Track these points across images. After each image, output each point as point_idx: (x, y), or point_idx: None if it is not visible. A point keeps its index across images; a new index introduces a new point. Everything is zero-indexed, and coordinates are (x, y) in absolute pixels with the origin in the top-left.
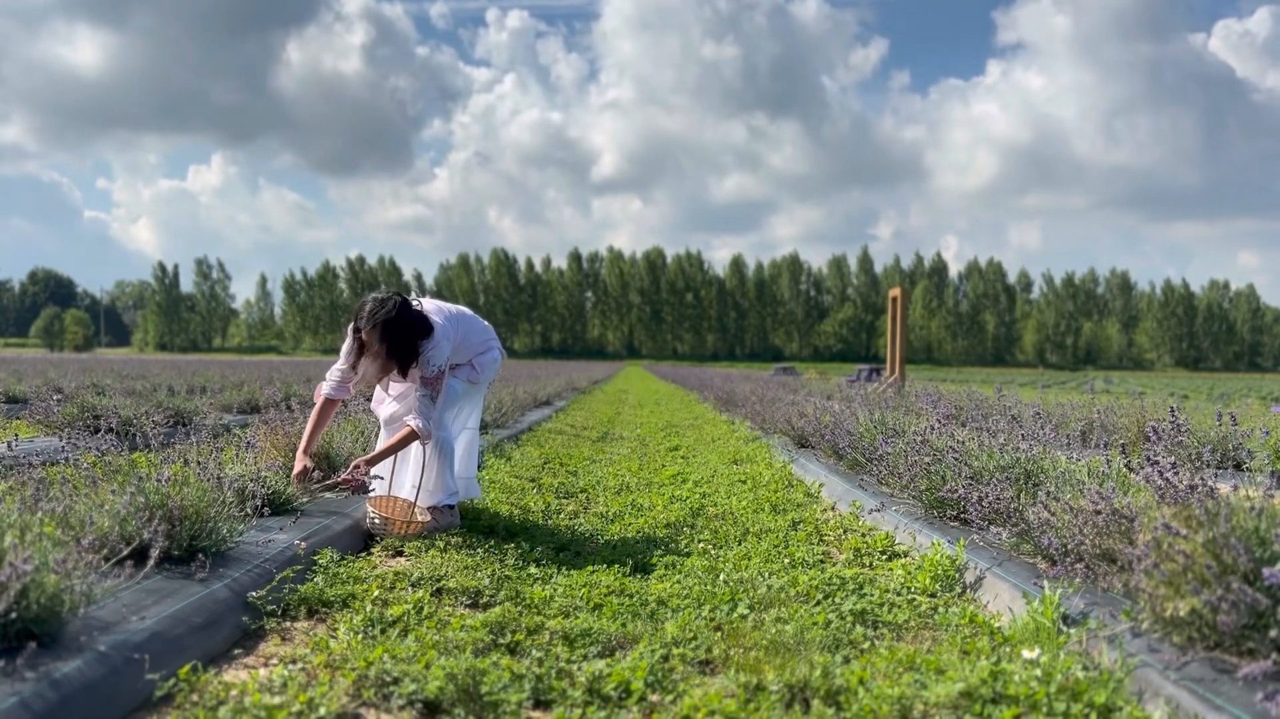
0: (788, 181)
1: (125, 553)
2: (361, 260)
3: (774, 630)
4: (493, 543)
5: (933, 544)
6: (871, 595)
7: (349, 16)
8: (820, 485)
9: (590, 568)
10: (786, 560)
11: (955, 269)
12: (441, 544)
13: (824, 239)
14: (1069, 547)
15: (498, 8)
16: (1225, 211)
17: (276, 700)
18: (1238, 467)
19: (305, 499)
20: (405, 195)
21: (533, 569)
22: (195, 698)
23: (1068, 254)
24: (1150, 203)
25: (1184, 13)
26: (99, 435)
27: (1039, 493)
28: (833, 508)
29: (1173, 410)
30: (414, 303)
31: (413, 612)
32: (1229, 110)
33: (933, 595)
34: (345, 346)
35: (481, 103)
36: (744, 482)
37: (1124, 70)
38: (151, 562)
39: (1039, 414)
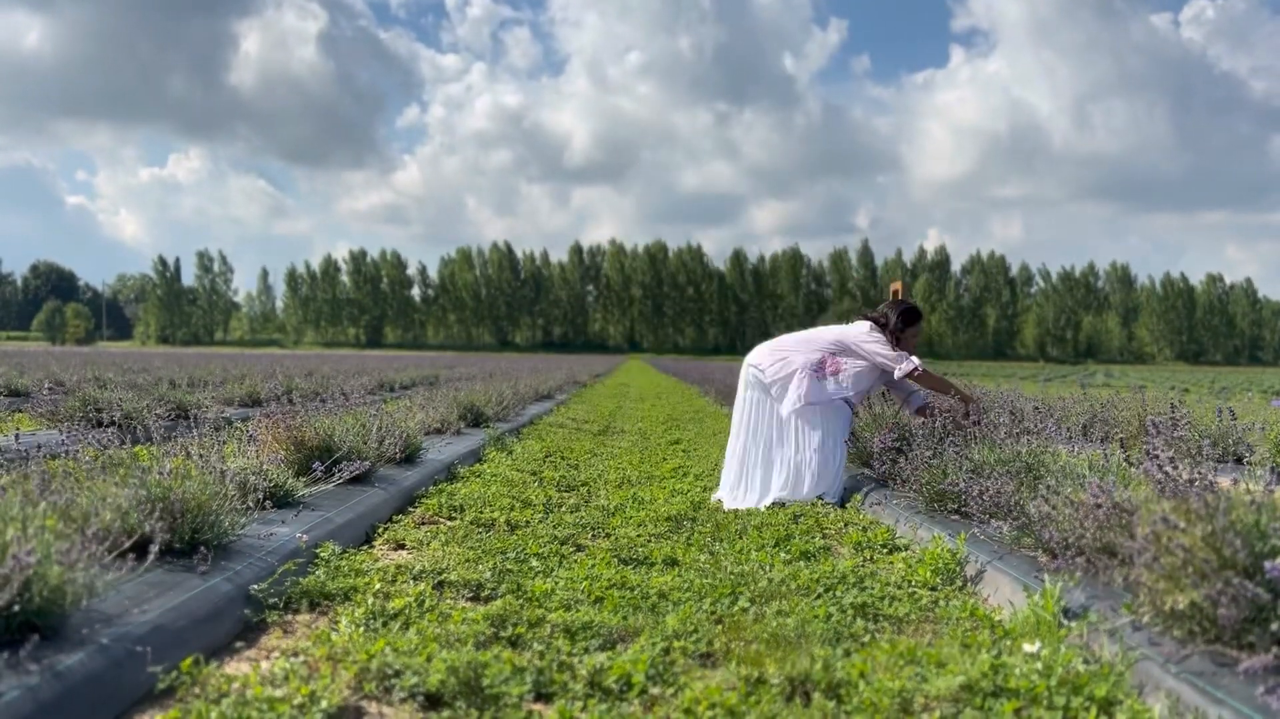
0: (762, 173)
1: (127, 546)
2: (364, 253)
3: (775, 623)
4: (494, 536)
5: (933, 538)
6: (872, 589)
7: (306, 4)
8: None
9: (591, 561)
10: (787, 554)
11: (957, 263)
12: (444, 537)
13: (802, 231)
14: (1069, 540)
15: None
16: (1206, 203)
17: (278, 693)
18: (1238, 460)
19: None
20: (379, 185)
21: (534, 562)
22: (197, 690)
23: (1051, 245)
24: (1128, 193)
25: None
26: (101, 429)
27: (1039, 486)
28: None
29: (1173, 406)
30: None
31: (414, 605)
32: (1200, 96)
33: (933, 589)
34: (880, 338)
35: (452, 92)
36: None
37: (1089, 54)
38: (153, 555)
39: (1039, 408)
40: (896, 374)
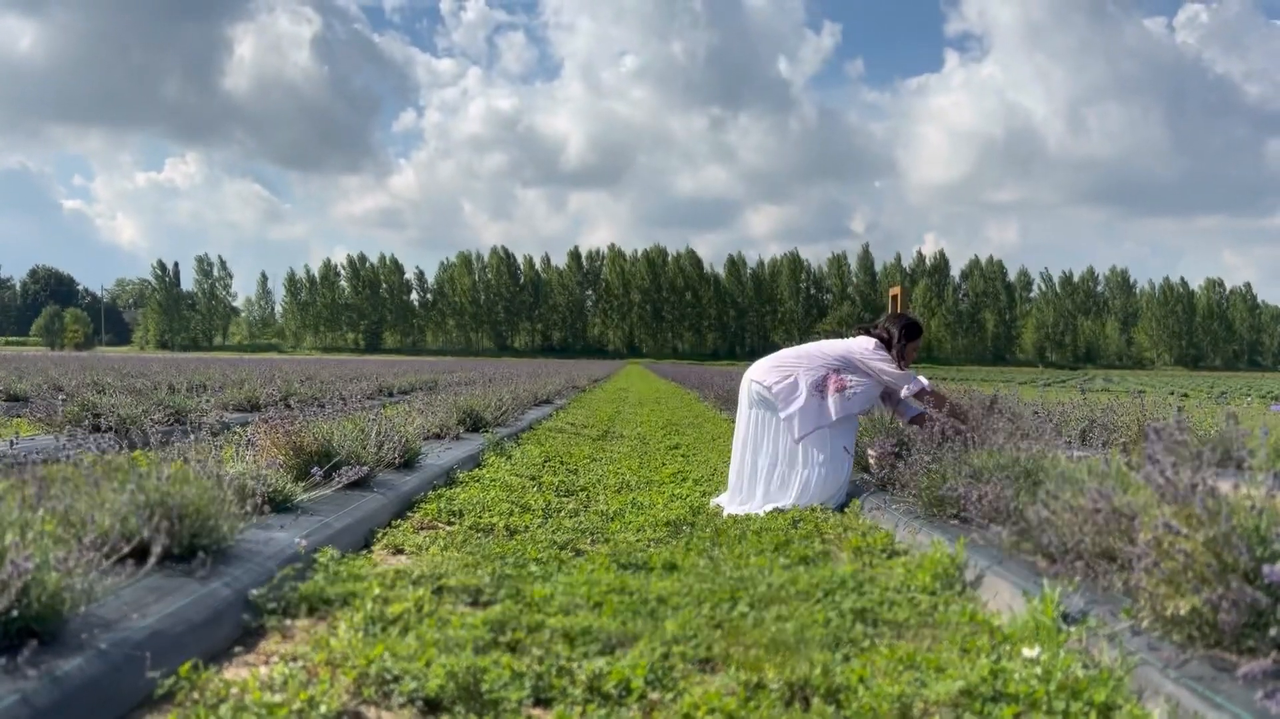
0: (758, 177)
1: (126, 551)
2: (363, 258)
3: (774, 628)
4: (493, 541)
5: (932, 542)
6: (871, 593)
7: (299, 7)
8: None
9: (591, 566)
10: (786, 559)
11: (955, 268)
12: (442, 542)
13: (798, 236)
14: (1069, 545)
15: None
16: (1202, 207)
17: (277, 698)
18: (1239, 465)
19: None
20: (375, 190)
21: (533, 567)
22: (196, 696)
23: (1048, 249)
24: (1124, 197)
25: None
26: (100, 434)
27: (1039, 491)
28: None
29: (1178, 410)
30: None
31: (413, 610)
32: (1194, 100)
33: (933, 594)
34: (885, 355)
35: (447, 96)
36: None
37: (1083, 58)
38: (152, 560)
39: (1039, 412)
40: (904, 393)
